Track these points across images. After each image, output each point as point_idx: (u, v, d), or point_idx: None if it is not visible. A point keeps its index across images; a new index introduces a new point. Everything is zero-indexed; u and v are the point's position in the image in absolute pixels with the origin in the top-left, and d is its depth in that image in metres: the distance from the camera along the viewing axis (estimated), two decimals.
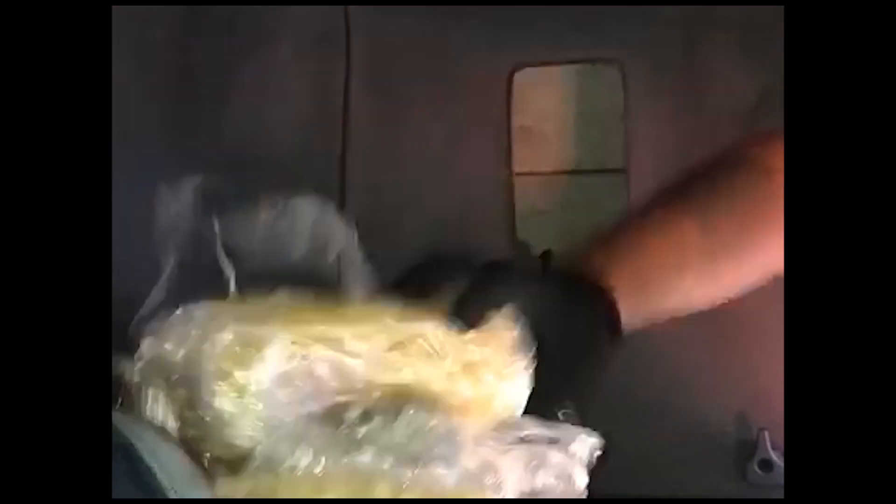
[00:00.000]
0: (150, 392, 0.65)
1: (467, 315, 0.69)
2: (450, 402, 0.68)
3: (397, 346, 0.67)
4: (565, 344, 0.73)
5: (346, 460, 0.63)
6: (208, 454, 0.64)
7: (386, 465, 0.63)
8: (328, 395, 0.65)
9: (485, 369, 0.70)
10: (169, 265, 0.69)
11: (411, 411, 0.65)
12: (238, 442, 0.64)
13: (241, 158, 1.19)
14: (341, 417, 0.65)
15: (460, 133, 1.20)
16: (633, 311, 0.74)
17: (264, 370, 0.64)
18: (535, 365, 0.71)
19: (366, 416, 0.65)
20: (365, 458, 0.63)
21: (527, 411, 0.72)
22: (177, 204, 0.70)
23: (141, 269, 0.72)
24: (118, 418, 0.60)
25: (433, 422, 0.65)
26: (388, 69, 1.23)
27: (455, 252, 0.74)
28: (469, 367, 0.70)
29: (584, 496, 0.72)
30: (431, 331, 0.69)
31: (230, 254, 0.72)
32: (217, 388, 0.63)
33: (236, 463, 0.64)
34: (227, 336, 0.64)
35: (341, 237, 0.72)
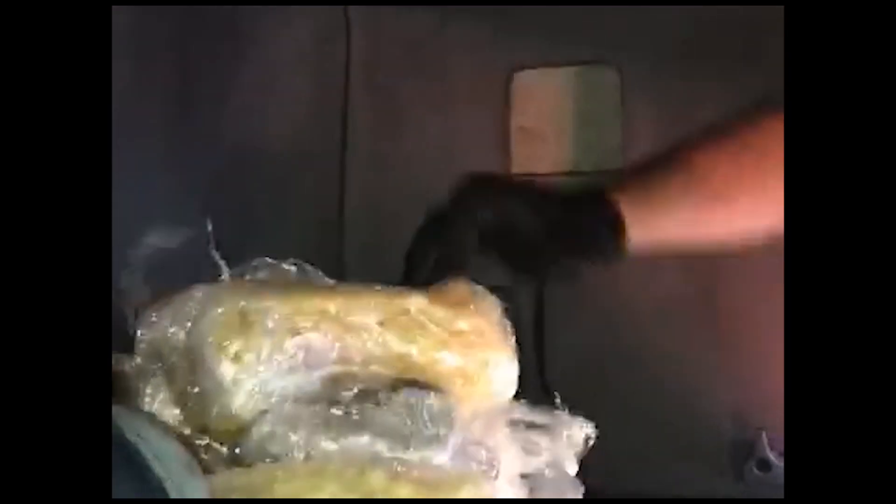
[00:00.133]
0: (149, 380, 0.66)
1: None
2: (441, 370, 0.69)
3: (389, 320, 0.69)
4: (571, 246, 0.81)
5: (341, 441, 0.64)
6: (208, 431, 0.65)
7: (380, 448, 0.64)
8: (325, 365, 0.67)
9: (473, 338, 0.71)
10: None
11: (406, 391, 0.66)
12: (237, 412, 0.64)
13: (240, 158, 1.19)
14: (338, 395, 0.66)
15: (460, 133, 1.20)
16: (638, 225, 0.79)
17: (264, 340, 0.65)
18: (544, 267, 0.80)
19: (362, 396, 0.66)
20: (362, 440, 0.64)
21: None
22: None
23: (140, 267, 0.72)
24: (115, 410, 0.61)
25: (428, 400, 0.66)
26: (388, 69, 1.23)
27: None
28: (458, 335, 0.71)
29: (577, 484, 0.73)
30: (422, 304, 0.70)
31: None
32: (218, 356, 0.64)
33: (235, 435, 0.65)
34: (227, 309, 0.66)
35: None
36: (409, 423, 0.66)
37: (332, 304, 0.68)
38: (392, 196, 1.22)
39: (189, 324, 0.67)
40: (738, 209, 0.82)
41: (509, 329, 0.74)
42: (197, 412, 0.66)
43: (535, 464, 0.72)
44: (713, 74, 1.13)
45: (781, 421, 0.61)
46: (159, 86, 1.07)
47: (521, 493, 0.71)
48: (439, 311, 0.71)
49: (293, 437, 0.64)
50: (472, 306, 0.73)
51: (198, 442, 0.66)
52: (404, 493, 0.63)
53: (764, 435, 1.09)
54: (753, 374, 1.09)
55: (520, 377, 0.74)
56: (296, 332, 0.66)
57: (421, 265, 0.78)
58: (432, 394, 0.67)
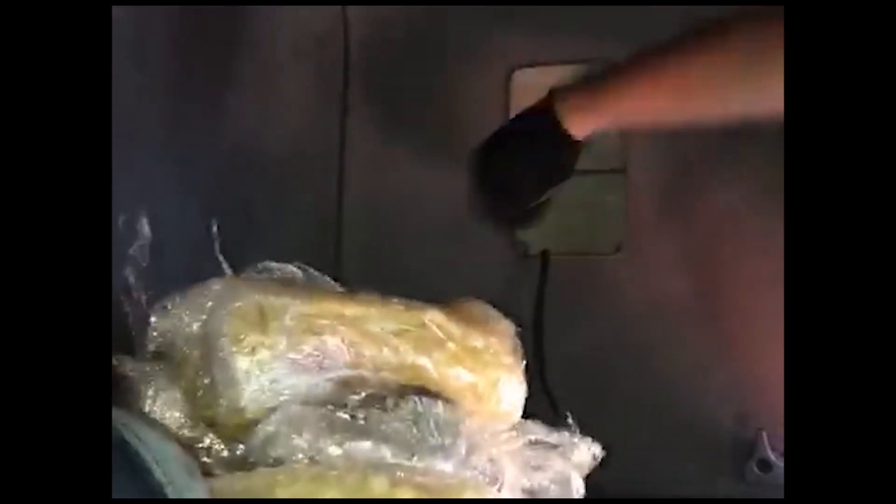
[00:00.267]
0: (151, 382, 0.66)
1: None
2: (453, 385, 0.69)
3: (405, 330, 0.69)
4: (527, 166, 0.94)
5: (346, 446, 0.64)
6: (214, 424, 0.65)
7: (384, 454, 0.64)
8: (338, 369, 0.67)
9: (487, 356, 0.71)
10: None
11: (414, 399, 0.66)
12: (246, 405, 0.64)
13: (240, 158, 1.19)
14: (346, 398, 0.66)
15: (459, 133, 1.20)
16: (585, 117, 0.92)
17: (280, 337, 0.65)
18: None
19: (369, 400, 0.66)
20: (366, 445, 0.64)
21: None
22: None
23: (139, 266, 0.72)
24: (116, 414, 0.61)
25: (436, 410, 0.66)
26: (387, 69, 1.23)
27: None
28: (472, 352, 0.71)
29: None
30: (438, 318, 0.70)
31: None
32: (232, 348, 0.64)
33: (241, 430, 0.65)
34: (245, 303, 0.66)
35: None
36: (415, 430, 0.66)
37: (351, 309, 0.68)
38: (391, 196, 1.22)
39: (204, 316, 0.67)
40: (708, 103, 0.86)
41: (520, 351, 0.74)
42: (205, 404, 0.66)
43: (539, 479, 0.71)
44: None
45: (782, 421, 0.61)
46: (159, 86, 1.07)
47: None
48: (455, 327, 0.71)
49: (297, 441, 0.63)
50: (486, 325, 0.73)
51: (199, 445, 0.66)
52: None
53: (764, 435, 1.09)
54: (753, 374, 1.09)
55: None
56: (312, 332, 0.66)
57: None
58: (440, 403, 0.67)
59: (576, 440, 0.74)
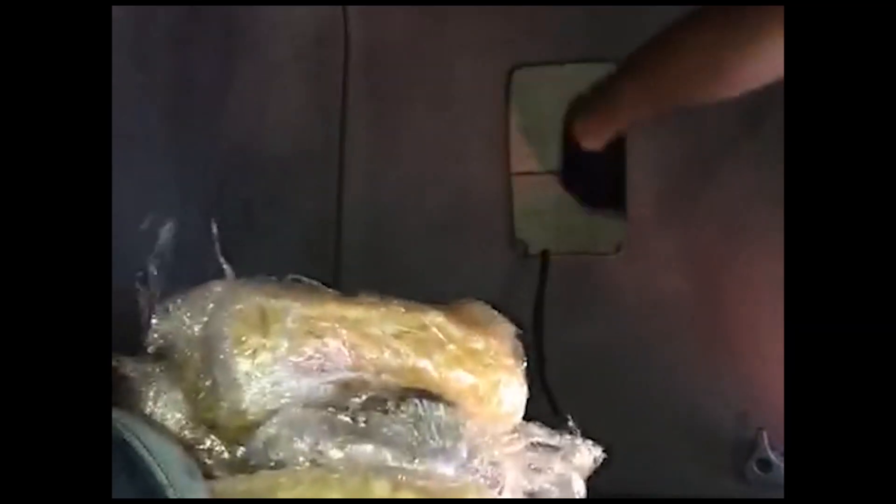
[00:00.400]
0: (151, 383, 0.66)
1: None
2: (454, 387, 0.69)
3: (406, 333, 0.69)
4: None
5: (347, 449, 0.64)
6: (215, 427, 0.65)
7: (386, 457, 0.64)
8: (339, 371, 0.66)
9: (487, 358, 0.71)
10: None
11: (416, 401, 0.66)
12: (247, 408, 0.64)
13: (240, 158, 1.19)
14: (347, 400, 0.66)
15: (459, 133, 1.20)
16: (598, 128, 1.07)
17: (281, 339, 0.65)
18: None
19: (370, 403, 0.66)
20: (368, 448, 0.64)
21: None
22: None
23: (139, 266, 0.72)
24: (117, 415, 0.60)
25: (437, 412, 0.66)
26: (387, 69, 1.23)
27: None
28: (473, 354, 0.71)
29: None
30: (438, 320, 0.70)
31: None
32: (234, 351, 0.64)
33: (242, 433, 0.65)
34: (246, 305, 0.65)
35: None
36: (416, 433, 0.65)
37: (351, 312, 0.68)
38: (391, 196, 1.22)
39: (206, 318, 0.67)
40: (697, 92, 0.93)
41: (521, 353, 0.74)
42: (206, 406, 0.66)
43: (541, 481, 0.71)
44: None
45: (782, 420, 0.61)
46: (159, 86, 1.07)
47: None
48: (455, 329, 0.71)
49: (298, 444, 0.63)
50: (487, 327, 0.73)
51: (200, 447, 0.65)
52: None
53: (765, 434, 1.09)
54: (754, 374, 1.09)
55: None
56: (314, 334, 0.66)
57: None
58: (441, 406, 0.67)
59: (577, 443, 0.74)
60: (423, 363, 0.69)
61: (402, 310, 0.70)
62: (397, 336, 0.69)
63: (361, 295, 0.73)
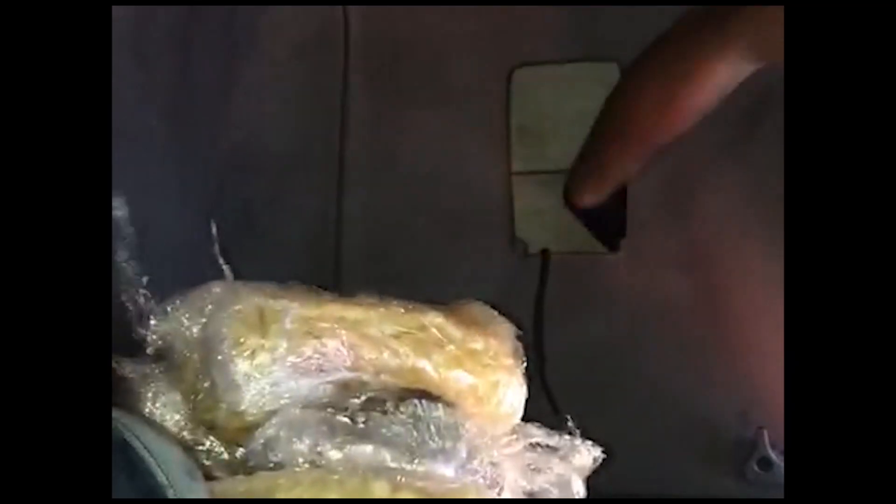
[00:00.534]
0: (151, 384, 0.66)
1: None
2: (453, 387, 0.69)
3: (405, 333, 0.69)
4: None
5: (346, 449, 0.64)
6: (214, 428, 0.65)
7: (385, 457, 0.64)
8: (338, 372, 0.66)
9: (487, 358, 0.71)
10: None
11: (415, 402, 0.66)
12: (246, 409, 0.64)
13: (240, 158, 1.19)
14: (346, 401, 0.65)
15: (459, 132, 1.20)
16: (594, 189, 1.09)
17: (280, 340, 0.65)
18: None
19: (369, 403, 0.66)
20: (367, 449, 0.64)
21: None
22: None
23: (140, 267, 0.72)
24: (117, 415, 0.60)
25: (436, 413, 0.66)
26: (387, 69, 1.23)
27: None
28: (472, 355, 0.71)
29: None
30: (438, 320, 0.70)
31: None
32: (232, 352, 0.64)
33: (241, 434, 0.64)
34: (245, 306, 0.65)
35: None
36: (415, 434, 0.65)
37: (350, 312, 0.68)
38: (391, 196, 1.22)
39: (204, 319, 0.67)
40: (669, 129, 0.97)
41: (521, 353, 0.74)
42: (205, 407, 0.66)
43: (540, 482, 0.71)
44: None
45: (782, 419, 0.61)
46: (159, 86, 1.07)
47: None
48: (454, 329, 0.71)
49: (297, 445, 0.63)
50: (486, 327, 0.73)
51: (199, 448, 0.65)
52: None
53: (765, 433, 1.09)
54: (754, 373, 1.09)
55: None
56: (313, 335, 0.66)
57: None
58: (441, 406, 0.67)
59: (577, 443, 0.74)
60: (423, 364, 0.69)
61: (402, 310, 0.70)
62: (396, 336, 0.69)
63: (360, 295, 0.73)
